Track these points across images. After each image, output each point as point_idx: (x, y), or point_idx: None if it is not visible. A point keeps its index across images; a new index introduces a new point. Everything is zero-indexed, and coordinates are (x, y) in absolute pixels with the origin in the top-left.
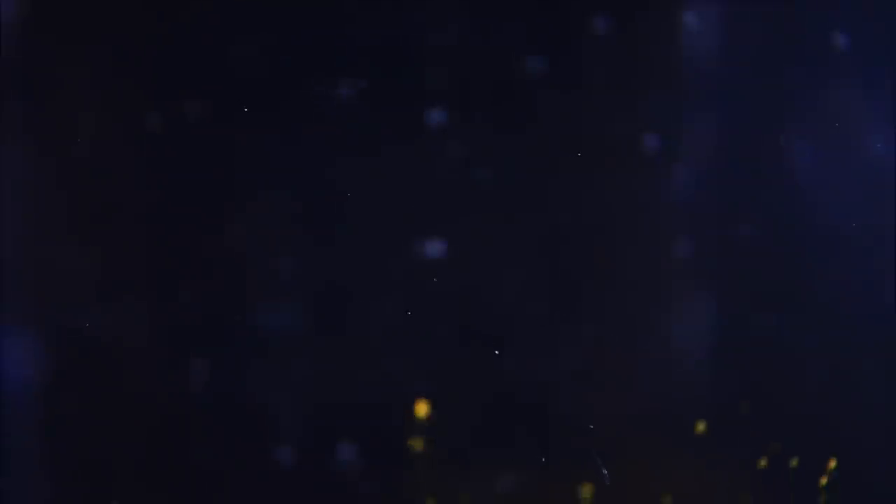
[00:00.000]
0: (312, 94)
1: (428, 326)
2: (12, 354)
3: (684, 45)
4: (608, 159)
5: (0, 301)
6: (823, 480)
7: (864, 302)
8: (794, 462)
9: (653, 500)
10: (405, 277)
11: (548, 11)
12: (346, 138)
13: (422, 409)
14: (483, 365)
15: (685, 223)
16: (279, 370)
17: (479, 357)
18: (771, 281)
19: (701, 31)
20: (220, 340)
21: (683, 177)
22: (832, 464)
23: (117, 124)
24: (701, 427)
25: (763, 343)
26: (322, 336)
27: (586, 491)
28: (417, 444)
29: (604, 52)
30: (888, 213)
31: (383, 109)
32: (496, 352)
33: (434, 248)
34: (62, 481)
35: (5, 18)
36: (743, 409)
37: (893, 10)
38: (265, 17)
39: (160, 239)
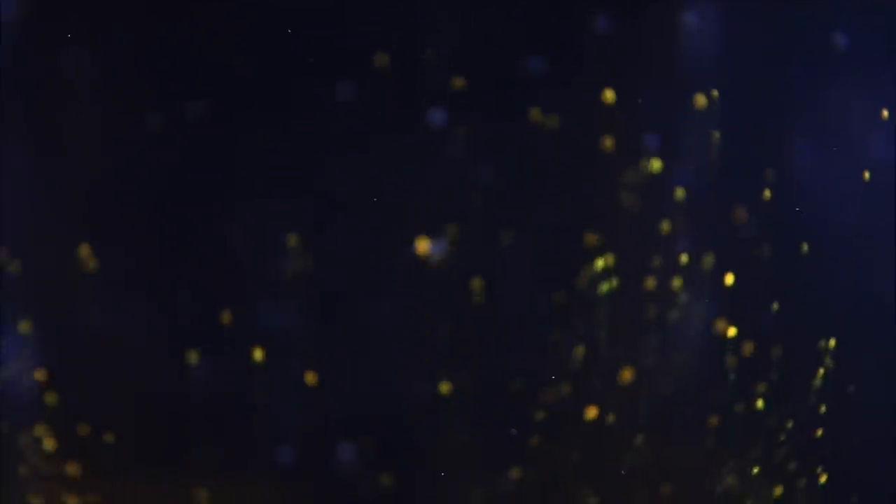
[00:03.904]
0: (312, 93)
1: (428, 326)
2: (11, 354)
3: (684, 45)
4: (608, 159)
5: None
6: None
7: (865, 302)
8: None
9: (654, 494)
10: (405, 277)
11: (548, 11)
12: (347, 138)
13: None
14: (483, 364)
15: (685, 222)
16: (279, 370)
17: (480, 357)
18: (771, 280)
19: (701, 29)
20: (220, 340)
21: (684, 176)
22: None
23: (117, 124)
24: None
25: (762, 342)
26: (322, 336)
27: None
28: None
29: (604, 52)
30: (888, 212)
31: (383, 109)
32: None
33: (434, 248)
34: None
35: (5, 18)
36: (742, 406)
37: (894, 9)
38: (265, 17)
39: (160, 239)
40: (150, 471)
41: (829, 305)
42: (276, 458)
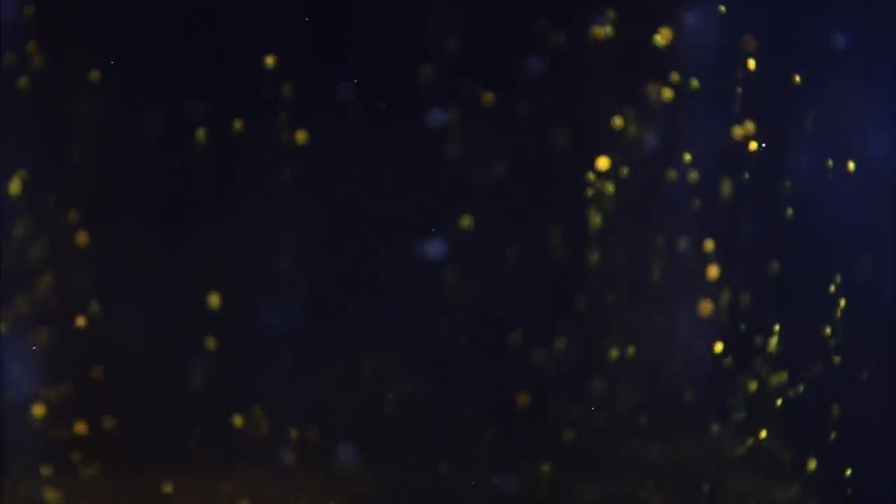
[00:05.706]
0: (312, 93)
1: (429, 326)
2: (12, 354)
3: (683, 44)
4: (608, 158)
5: (1, 301)
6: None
7: (865, 301)
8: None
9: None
10: (406, 277)
11: (548, 11)
12: (346, 137)
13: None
14: (484, 364)
15: (685, 222)
16: (279, 370)
17: (481, 356)
18: (770, 280)
19: (701, 29)
20: (220, 340)
21: (684, 176)
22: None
23: (119, 123)
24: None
25: (761, 341)
26: (323, 336)
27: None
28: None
29: (603, 51)
30: (888, 212)
31: (383, 109)
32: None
33: (434, 248)
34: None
35: (5, 18)
36: (742, 406)
37: (894, 9)
38: (264, 16)
39: (160, 239)
40: (149, 469)
41: (828, 304)
42: (277, 457)
